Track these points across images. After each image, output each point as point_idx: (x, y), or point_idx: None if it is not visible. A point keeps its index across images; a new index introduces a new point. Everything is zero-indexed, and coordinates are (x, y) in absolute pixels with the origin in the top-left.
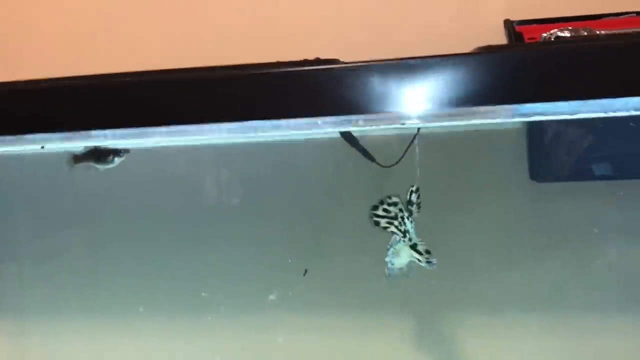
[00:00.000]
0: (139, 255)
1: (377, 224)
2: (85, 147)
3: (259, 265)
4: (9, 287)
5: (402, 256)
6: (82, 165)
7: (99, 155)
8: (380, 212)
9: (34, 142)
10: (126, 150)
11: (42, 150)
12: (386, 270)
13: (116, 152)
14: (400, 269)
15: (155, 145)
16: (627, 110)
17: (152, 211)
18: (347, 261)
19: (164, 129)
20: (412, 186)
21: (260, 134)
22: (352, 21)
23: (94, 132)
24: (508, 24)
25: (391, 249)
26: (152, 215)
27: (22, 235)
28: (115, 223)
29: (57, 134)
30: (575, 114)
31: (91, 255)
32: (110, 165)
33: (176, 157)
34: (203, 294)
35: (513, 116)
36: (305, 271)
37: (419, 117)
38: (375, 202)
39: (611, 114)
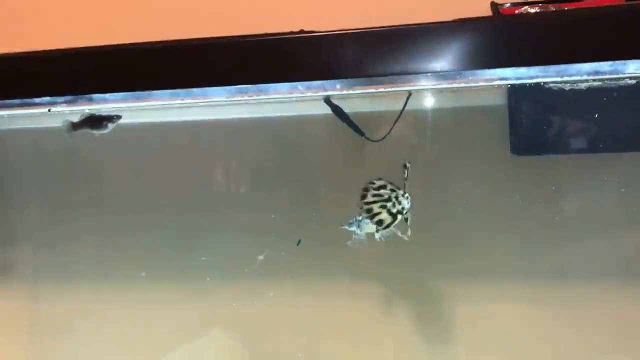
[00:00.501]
0: (141, 225)
1: (370, 211)
2: (82, 114)
3: (253, 232)
4: (23, 257)
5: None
6: (80, 132)
7: (94, 122)
8: (370, 199)
9: (41, 105)
10: (118, 117)
11: (46, 125)
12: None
13: (109, 119)
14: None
15: (157, 121)
16: (580, 75)
17: (154, 184)
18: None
19: (159, 92)
20: (408, 163)
21: (247, 97)
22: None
23: (95, 96)
24: (493, 6)
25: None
26: (154, 188)
27: (32, 208)
28: (120, 196)
29: (63, 97)
30: (534, 78)
31: (97, 226)
32: (105, 131)
33: (175, 132)
34: (203, 258)
35: (478, 81)
36: (299, 241)
37: (393, 82)
38: (361, 192)
39: (566, 79)
